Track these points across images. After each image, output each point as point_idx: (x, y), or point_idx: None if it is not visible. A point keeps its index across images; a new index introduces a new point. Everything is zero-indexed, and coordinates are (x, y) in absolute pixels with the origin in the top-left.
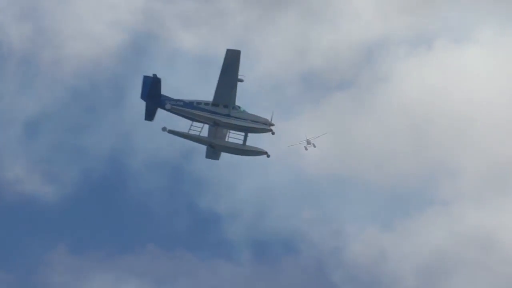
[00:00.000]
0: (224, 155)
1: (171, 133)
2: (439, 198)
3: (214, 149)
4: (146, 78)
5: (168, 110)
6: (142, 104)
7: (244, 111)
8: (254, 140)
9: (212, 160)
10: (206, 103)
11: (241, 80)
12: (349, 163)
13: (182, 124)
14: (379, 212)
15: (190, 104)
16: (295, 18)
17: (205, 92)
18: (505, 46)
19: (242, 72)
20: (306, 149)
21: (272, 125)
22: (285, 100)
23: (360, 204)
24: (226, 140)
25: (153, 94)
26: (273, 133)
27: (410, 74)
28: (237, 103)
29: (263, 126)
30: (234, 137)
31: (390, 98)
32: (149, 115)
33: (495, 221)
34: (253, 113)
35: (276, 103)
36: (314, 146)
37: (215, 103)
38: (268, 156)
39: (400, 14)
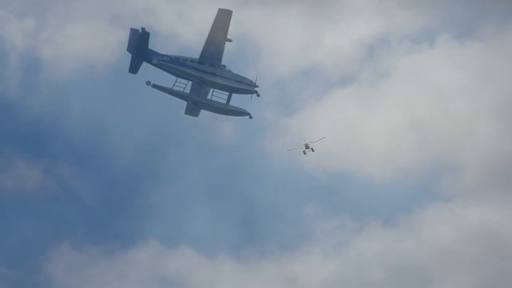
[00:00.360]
0: (204, 112)
1: (155, 88)
2: (442, 194)
3: (197, 106)
4: (133, 31)
5: (154, 64)
6: (128, 56)
7: (229, 70)
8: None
9: None
10: (192, 60)
11: (230, 40)
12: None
13: (167, 79)
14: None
15: (176, 60)
16: (297, 14)
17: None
18: (507, 42)
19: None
20: (304, 153)
21: (257, 86)
22: (287, 95)
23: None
24: (209, 98)
25: (140, 47)
26: (258, 95)
27: (412, 70)
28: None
29: (248, 87)
30: (218, 96)
31: (392, 94)
32: (134, 68)
33: (498, 217)
34: (238, 73)
35: (279, 98)
36: (313, 151)
37: (201, 61)
38: (251, 117)
39: (402, 10)
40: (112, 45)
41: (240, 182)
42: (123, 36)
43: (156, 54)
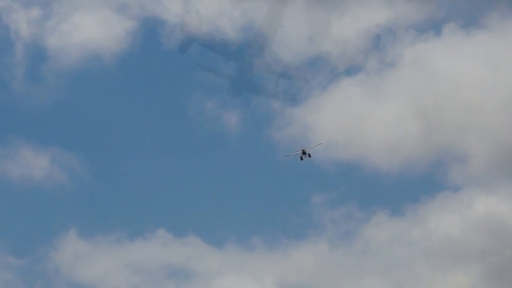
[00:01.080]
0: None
1: (205, 69)
2: (449, 183)
3: (242, 88)
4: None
5: (204, 45)
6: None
7: (279, 56)
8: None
9: None
10: (243, 43)
11: (283, 26)
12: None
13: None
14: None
15: (226, 42)
16: (304, 4)
17: None
18: None
19: None
20: (301, 159)
21: (305, 72)
22: (293, 85)
23: None
24: (256, 81)
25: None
26: (307, 82)
27: (418, 59)
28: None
29: (296, 73)
30: (265, 79)
31: (399, 83)
32: (184, 48)
33: (505, 206)
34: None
35: (285, 87)
36: (310, 156)
37: (252, 44)
38: (296, 100)
39: None
40: (119, 34)
41: (246, 172)
42: (130, 26)
43: (208, 34)
